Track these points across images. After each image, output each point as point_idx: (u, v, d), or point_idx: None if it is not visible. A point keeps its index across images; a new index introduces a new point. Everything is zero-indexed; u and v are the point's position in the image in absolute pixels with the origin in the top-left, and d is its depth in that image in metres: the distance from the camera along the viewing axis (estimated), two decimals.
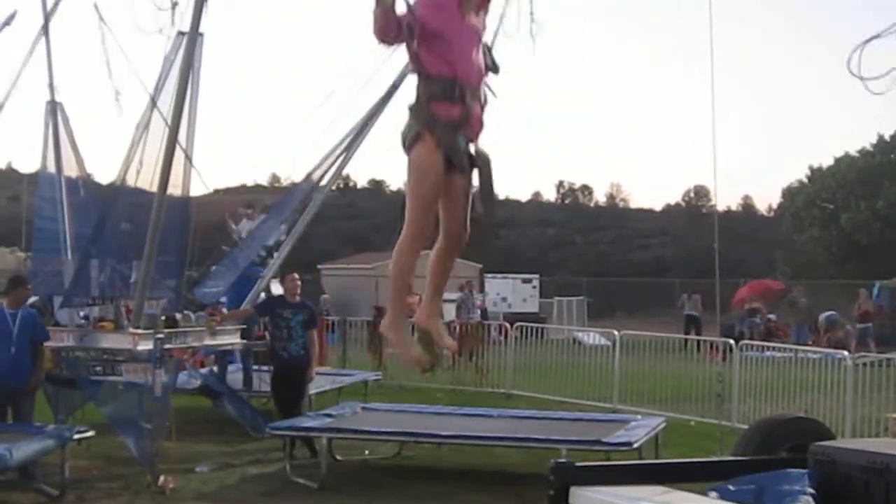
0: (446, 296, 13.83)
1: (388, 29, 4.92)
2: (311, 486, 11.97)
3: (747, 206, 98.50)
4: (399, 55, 5.20)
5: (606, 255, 77.46)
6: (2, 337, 11.87)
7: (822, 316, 31.70)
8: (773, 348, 20.90)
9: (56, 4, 15.99)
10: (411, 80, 5.17)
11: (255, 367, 16.10)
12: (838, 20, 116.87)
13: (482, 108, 5.22)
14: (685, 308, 35.63)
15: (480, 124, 5.22)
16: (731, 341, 18.79)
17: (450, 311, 26.63)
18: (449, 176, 5.07)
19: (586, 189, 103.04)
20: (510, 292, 41.46)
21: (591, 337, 25.54)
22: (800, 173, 73.98)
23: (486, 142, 5.27)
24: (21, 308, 12.28)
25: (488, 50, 5.33)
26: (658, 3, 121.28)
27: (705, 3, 11.70)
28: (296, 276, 14.44)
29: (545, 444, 11.81)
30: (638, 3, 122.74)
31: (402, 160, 5.18)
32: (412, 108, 5.13)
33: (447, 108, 5.04)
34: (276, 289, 15.35)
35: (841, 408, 15.42)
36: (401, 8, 4.96)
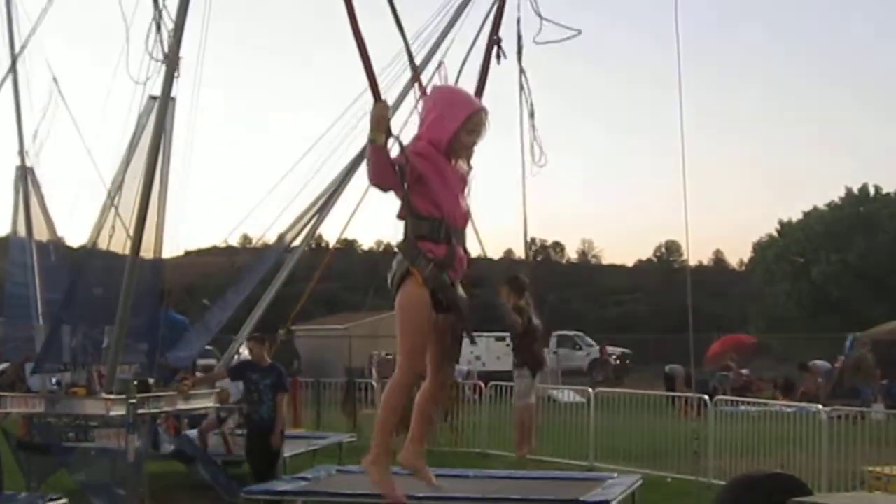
0: None
1: (384, 172, 5.10)
2: None
3: (719, 260, 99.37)
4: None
5: (579, 312, 77.52)
6: None
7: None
8: (748, 403, 20.95)
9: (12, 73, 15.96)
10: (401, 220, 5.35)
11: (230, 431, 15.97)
12: (806, 75, 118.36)
13: (465, 250, 5.38)
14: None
15: (462, 266, 5.37)
16: (706, 396, 18.80)
17: None
18: (434, 314, 5.21)
19: (558, 246, 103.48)
20: (484, 351, 41.43)
21: (566, 394, 25.49)
22: (770, 227, 74.54)
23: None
24: None
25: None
26: (633, 57, 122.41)
27: (674, 61, 11.81)
28: (262, 337, 14.39)
29: None
30: (610, 61, 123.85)
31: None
32: (401, 247, 5.29)
33: (434, 247, 5.22)
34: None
35: (817, 461, 15.42)
36: (394, 152, 5.14)
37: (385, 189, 5.26)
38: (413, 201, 5.25)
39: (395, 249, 5.40)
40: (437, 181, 5.27)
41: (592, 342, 51.05)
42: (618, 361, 46.16)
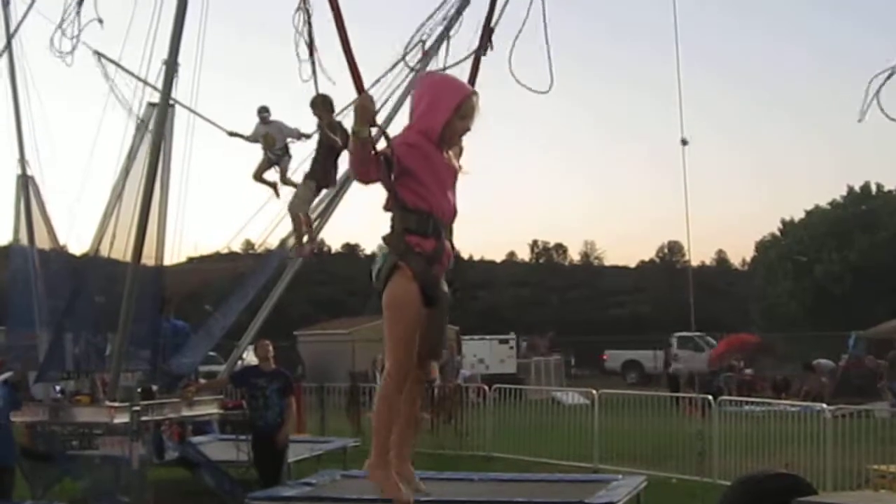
0: None
1: (367, 165, 5.01)
2: None
3: (721, 260, 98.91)
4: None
5: (582, 313, 77.41)
6: None
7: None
8: (752, 403, 20.94)
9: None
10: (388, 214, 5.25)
11: (233, 436, 15.94)
12: (805, 76, 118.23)
13: (452, 245, 5.29)
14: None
15: (449, 261, 5.28)
16: (710, 397, 18.78)
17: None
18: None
19: (560, 247, 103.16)
20: (487, 353, 41.35)
21: (570, 396, 25.48)
22: (772, 226, 74.44)
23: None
24: None
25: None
26: (632, 59, 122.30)
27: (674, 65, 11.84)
28: (267, 342, 14.30)
29: None
30: (610, 64, 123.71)
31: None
32: (387, 240, 5.20)
33: (422, 241, 5.12)
34: (251, 357, 15.23)
35: (821, 460, 15.41)
36: (379, 144, 5.07)
37: (368, 182, 5.15)
38: (400, 193, 5.11)
39: (381, 241, 5.26)
40: (426, 173, 5.12)
41: (716, 342, 49.28)
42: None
